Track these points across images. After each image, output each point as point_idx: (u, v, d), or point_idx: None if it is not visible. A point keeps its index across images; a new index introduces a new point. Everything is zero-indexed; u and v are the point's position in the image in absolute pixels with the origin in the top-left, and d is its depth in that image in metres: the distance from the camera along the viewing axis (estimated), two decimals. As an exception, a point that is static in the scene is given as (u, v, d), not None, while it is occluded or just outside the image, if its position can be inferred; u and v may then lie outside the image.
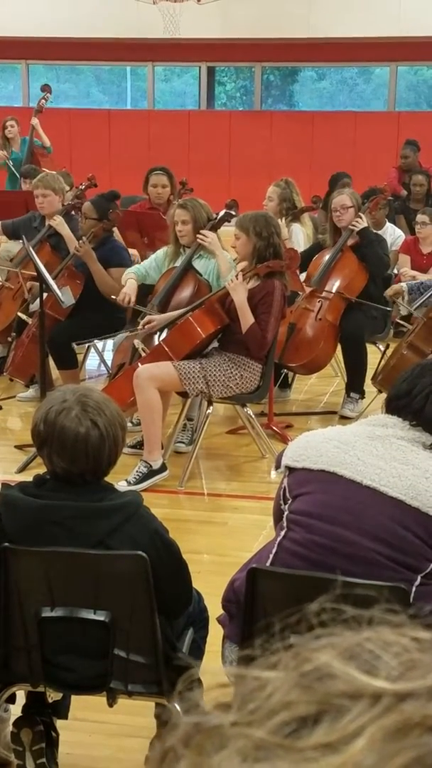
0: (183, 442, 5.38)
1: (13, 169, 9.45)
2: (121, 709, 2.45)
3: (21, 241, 6.11)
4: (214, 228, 5.31)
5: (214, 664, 2.69)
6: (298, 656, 0.49)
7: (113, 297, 5.56)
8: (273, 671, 0.49)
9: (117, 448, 2.34)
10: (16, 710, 2.59)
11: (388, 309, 5.93)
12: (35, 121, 9.65)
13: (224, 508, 4.72)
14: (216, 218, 5.35)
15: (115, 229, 6.35)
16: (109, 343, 6.69)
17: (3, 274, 6.92)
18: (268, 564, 2.29)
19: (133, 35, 13.74)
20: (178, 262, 5.39)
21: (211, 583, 2.94)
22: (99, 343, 6.84)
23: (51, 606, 2.31)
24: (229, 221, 5.38)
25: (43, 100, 9.79)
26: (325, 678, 0.47)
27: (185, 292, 5.28)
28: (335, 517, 2.23)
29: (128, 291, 5.42)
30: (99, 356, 6.98)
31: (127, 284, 5.46)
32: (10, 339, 6.42)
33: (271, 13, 13.43)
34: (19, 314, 6.25)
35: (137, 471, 4.78)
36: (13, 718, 2.55)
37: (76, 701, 2.65)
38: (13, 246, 7.31)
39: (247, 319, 4.76)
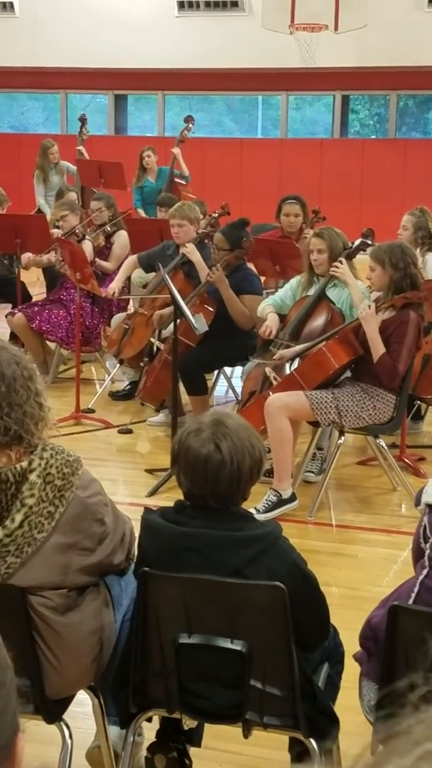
0: (312, 472, 5.35)
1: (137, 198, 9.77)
2: (253, 740, 2.42)
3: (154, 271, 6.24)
4: (350, 257, 5.28)
5: (348, 701, 2.64)
6: None
7: (255, 329, 5.59)
8: None
9: (240, 477, 2.30)
10: (149, 735, 2.61)
11: None
12: (177, 150, 9.82)
13: (354, 541, 4.65)
14: (351, 247, 5.31)
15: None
16: (238, 369, 6.73)
17: (136, 301, 7.05)
18: (410, 602, 2.24)
19: (268, 65, 13.88)
20: (312, 291, 5.37)
21: (341, 616, 2.88)
22: (228, 370, 6.89)
23: (188, 633, 2.31)
24: (365, 250, 5.34)
25: (186, 131, 9.96)
26: None
27: (318, 321, 5.25)
28: None
29: (270, 324, 5.39)
30: (228, 383, 7.03)
31: (269, 318, 5.43)
32: (142, 364, 6.54)
33: (406, 40, 13.35)
34: (152, 340, 6.36)
35: (267, 499, 4.77)
36: (147, 743, 2.56)
37: (209, 729, 2.64)
38: (145, 272, 7.47)
39: (378, 349, 4.71)
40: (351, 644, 2.66)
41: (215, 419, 2.34)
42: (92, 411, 6.55)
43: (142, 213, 9.75)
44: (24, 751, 1.01)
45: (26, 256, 7.51)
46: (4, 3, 14.94)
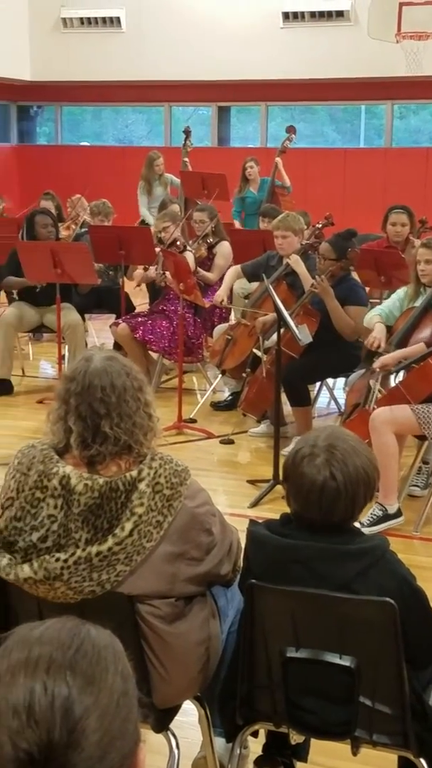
0: (418, 486, 5.26)
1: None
2: (361, 757, 2.38)
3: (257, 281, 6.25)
4: (457, 268, 5.18)
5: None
6: None
7: (360, 340, 5.53)
8: None
9: (354, 505, 2.29)
10: (256, 749, 2.59)
11: None
12: (279, 160, 9.84)
13: (461, 557, 4.56)
14: (459, 258, 5.21)
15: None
16: (340, 381, 6.68)
17: (238, 312, 7.07)
18: None
19: (373, 74, 13.77)
20: (418, 302, 5.29)
21: (449, 635, 2.81)
22: (330, 381, 6.84)
23: (296, 646, 2.28)
24: None
25: (288, 141, 9.97)
26: None
27: (425, 332, 5.17)
28: None
29: (377, 335, 5.28)
30: (330, 394, 6.98)
31: (376, 328, 5.32)
32: (244, 375, 6.54)
33: None
34: (254, 350, 6.37)
35: (372, 514, 4.71)
36: (252, 757, 2.54)
37: (314, 745, 2.61)
38: (248, 283, 7.50)
39: None
40: (459, 663, 2.59)
41: (329, 444, 2.30)
42: (194, 421, 6.59)
43: (237, 224, 9.78)
44: (145, 762, 1.01)
45: (138, 274, 7.66)
46: (111, 18, 15.23)
